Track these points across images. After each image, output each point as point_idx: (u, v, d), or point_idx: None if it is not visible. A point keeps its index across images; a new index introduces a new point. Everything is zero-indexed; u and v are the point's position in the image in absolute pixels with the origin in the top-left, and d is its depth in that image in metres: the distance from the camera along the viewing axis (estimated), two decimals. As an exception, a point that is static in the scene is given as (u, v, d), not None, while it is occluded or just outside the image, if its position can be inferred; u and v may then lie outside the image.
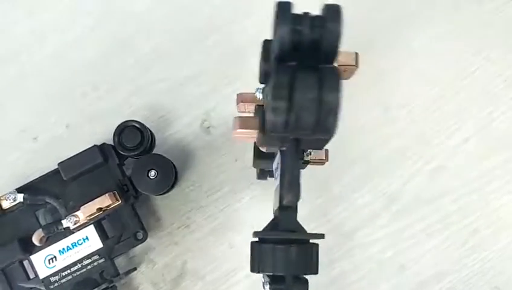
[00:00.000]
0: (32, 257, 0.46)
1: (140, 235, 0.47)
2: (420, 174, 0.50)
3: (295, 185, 0.31)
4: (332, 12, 0.28)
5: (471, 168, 0.50)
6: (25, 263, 0.46)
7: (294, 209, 0.35)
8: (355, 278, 0.50)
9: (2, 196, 0.45)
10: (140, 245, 0.48)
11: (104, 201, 0.44)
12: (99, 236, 0.46)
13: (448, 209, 0.50)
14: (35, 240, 0.45)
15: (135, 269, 0.49)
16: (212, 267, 0.50)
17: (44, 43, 0.53)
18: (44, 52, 0.53)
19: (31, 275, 0.46)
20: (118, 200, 0.45)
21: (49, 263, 0.46)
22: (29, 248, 0.46)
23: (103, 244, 0.46)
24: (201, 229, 0.50)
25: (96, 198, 0.45)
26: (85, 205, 0.45)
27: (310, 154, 0.41)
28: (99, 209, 0.44)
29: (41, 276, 0.46)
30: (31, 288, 0.46)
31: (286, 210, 0.35)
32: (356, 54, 0.42)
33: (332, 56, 0.29)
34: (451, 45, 0.52)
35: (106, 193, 0.45)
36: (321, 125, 0.28)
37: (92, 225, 0.46)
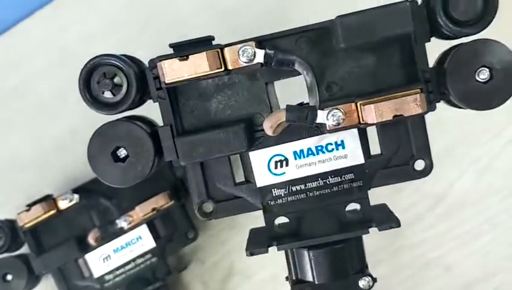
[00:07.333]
0: (87, 256, 0.47)
1: (191, 234, 0.48)
2: (467, 173, 0.50)
3: None
4: None
5: (519, 168, 0.50)
6: (80, 261, 0.48)
7: None
8: (401, 278, 0.50)
9: (58, 197, 0.47)
10: (189, 245, 0.49)
11: (159, 201, 0.46)
12: (152, 235, 0.47)
13: (495, 209, 0.50)
14: (91, 239, 0.47)
15: (185, 267, 0.50)
16: (258, 268, 0.51)
17: (91, 48, 0.55)
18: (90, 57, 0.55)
19: (86, 274, 0.47)
20: (171, 200, 0.46)
21: (104, 262, 0.47)
22: (85, 247, 0.47)
23: (156, 243, 0.47)
24: (247, 230, 0.51)
25: (150, 198, 0.46)
26: (140, 205, 0.46)
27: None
28: (154, 208, 0.46)
29: (96, 274, 0.47)
30: (86, 286, 0.48)
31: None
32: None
33: None
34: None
35: (159, 193, 0.46)
36: None
37: (145, 225, 0.47)
